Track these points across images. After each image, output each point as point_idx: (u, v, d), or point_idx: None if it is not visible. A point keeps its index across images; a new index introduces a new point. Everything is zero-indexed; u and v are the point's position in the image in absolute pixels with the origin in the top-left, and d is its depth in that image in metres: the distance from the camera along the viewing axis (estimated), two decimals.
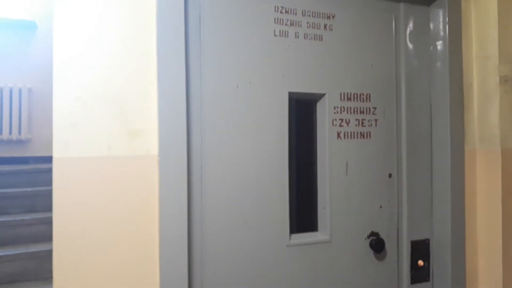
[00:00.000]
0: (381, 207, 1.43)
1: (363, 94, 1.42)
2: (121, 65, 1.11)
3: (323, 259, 1.35)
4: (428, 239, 1.49)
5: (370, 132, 1.42)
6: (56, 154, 1.05)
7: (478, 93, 1.48)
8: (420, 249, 1.48)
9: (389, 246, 1.44)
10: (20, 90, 3.58)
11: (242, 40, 1.26)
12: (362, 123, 1.42)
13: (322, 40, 1.36)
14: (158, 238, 1.12)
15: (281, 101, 1.30)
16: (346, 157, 1.39)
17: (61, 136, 1.06)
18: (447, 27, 1.45)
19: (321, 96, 1.38)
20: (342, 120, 1.39)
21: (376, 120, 1.43)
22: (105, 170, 1.09)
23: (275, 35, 1.30)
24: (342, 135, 1.39)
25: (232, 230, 1.24)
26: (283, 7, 1.31)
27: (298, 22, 1.33)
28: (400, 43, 1.47)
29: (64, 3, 1.06)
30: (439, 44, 1.48)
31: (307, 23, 1.34)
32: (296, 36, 1.33)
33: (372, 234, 1.42)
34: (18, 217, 2.73)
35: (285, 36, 1.31)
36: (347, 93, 1.39)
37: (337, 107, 1.38)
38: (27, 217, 2.74)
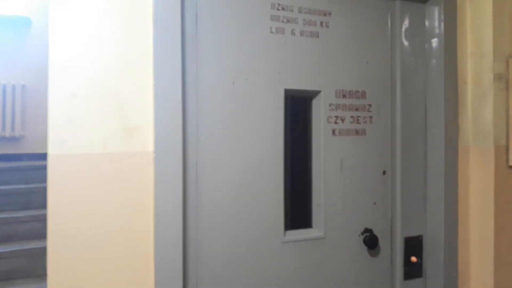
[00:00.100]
0: (375, 203, 1.44)
1: (358, 91, 1.42)
2: (117, 62, 1.10)
3: (317, 256, 1.36)
4: (422, 236, 1.50)
5: (365, 129, 1.43)
6: (51, 151, 1.05)
7: (472, 91, 1.49)
8: (414, 245, 1.49)
9: (382, 243, 1.45)
10: (13, 87, 3.54)
11: (238, 37, 1.26)
12: (357, 120, 1.42)
13: (318, 37, 1.36)
14: (153, 235, 1.12)
15: (277, 98, 1.31)
16: (341, 154, 1.39)
17: (56, 133, 1.05)
18: (442, 24, 1.46)
19: (316, 93, 1.38)
20: (337, 117, 1.39)
21: (371, 117, 1.44)
22: (100, 167, 1.09)
23: (271, 32, 1.30)
24: (337, 132, 1.39)
25: (227, 226, 1.24)
26: (279, 4, 1.31)
27: (295, 19, 1.33)
28: (396, 40, 1.47)
29: None
30: (435, 42, 1.49)
31: (303, 20, 1.34)
32: (292, 33, 1.33)
33: (366, 230, 1.42)
34: (13, 214, 2.72)
35: (281, 33, 1.31)
36: (343, 90, 1.40)
37: (333, 104, 1.39)
38: (22, 214, 2.74)
